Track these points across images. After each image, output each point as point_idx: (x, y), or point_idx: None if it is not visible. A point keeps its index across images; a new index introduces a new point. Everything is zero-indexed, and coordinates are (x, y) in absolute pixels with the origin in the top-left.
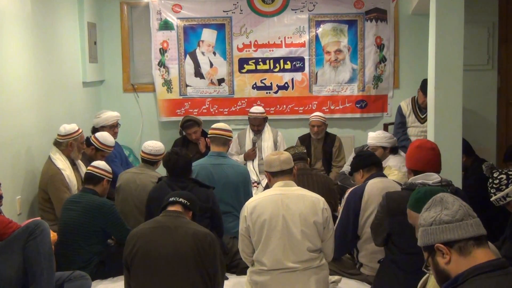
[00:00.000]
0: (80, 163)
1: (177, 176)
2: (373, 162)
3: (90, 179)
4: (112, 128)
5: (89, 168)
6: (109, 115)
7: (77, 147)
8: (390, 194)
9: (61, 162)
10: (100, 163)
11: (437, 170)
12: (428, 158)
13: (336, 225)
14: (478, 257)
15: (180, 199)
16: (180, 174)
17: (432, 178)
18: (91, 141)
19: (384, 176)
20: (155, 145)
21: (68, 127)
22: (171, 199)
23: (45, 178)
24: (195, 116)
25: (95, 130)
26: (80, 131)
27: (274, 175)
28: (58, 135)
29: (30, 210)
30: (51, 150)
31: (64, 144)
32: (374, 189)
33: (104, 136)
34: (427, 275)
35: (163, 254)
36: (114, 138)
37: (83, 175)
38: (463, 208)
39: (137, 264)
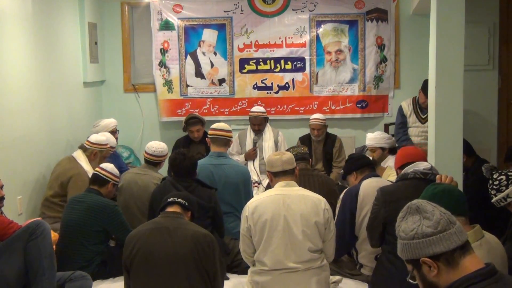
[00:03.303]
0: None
1: (181, 176)
2: (365, 164)
3: (96, 180)
4: (112, 134)
5: (96, 169)
6: (107, 122)
7: (100, 158)
8: (384, 187)
9: (86, 164)
10: (109, 166)
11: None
12: (413, 152)
13: None
14: (466, 266)
15: (178, 200)
16: (185, 175)
17: (422, 165)
18: (85, 145)
19: (378, 176)
20: (158, 146)
21: (100, 138)
22: (169, 200)
23: (68, 175)
24: (200, 115)
25: None
26: (108, 146)
27: (276, 175)
28: (87, 141)
29: (31, 210)
30: (76, 151)
31: (89, 151)
32: (369, 188)
33: (95, 136)
34: None
35: (163, 255)
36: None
37: None
38: (444, 216)
39: (136, 265)
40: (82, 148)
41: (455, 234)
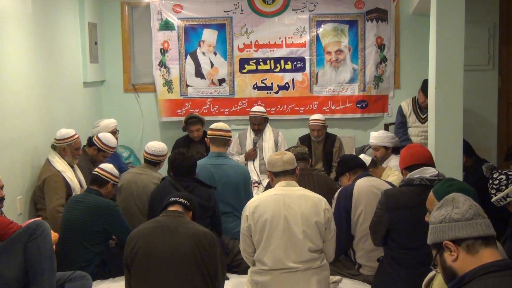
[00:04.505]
0: (76, 168)
1: (181, 176)
2: (357, 164)
3: (96, 181)
4: (112, 134)
5: (96, 169)
6: (108, 122)
7: (71, 152)
8: (389, 190)
9: (60, 164)
10: (108, 166)
11: (431, 164)
12: (419, 151)
13: None
14: (485, 256)
15: (180, 199)
16: (184, 175)
17: (429, 171)
18: (94, 141)
19: (370, 175)
20: (158, 146)
21: (64, 132)
22: (171, 199)
23: (42, 178)
24: (200, 115)
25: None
26: (76, 136)
27: (276, 175)
28: (54, 139)
29: (31, 211)
30: (49, 153)
31: (58, 148)
32: (363, 186)
33: (107, 137)
34: (431, 273)
35: (164, 254)
36: None
37: (80, 178)
38: (474, 208)
39: (137, 264)
40: (52, 147)
41: (480, 225)
